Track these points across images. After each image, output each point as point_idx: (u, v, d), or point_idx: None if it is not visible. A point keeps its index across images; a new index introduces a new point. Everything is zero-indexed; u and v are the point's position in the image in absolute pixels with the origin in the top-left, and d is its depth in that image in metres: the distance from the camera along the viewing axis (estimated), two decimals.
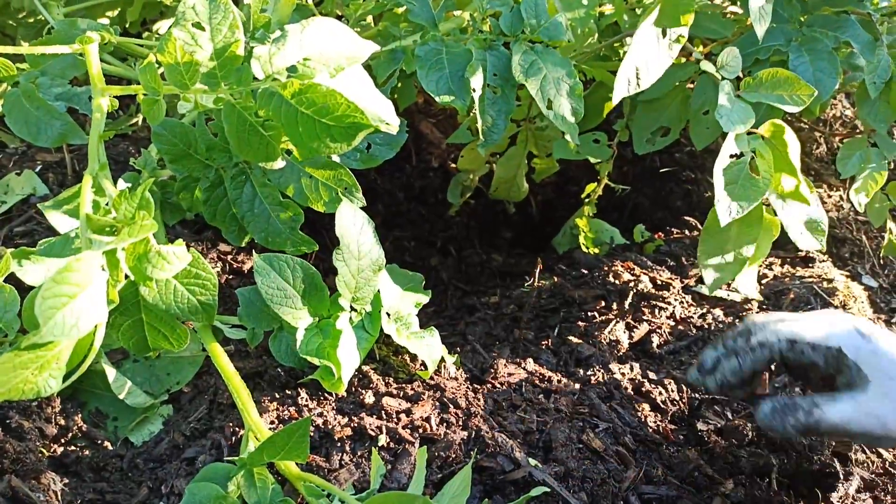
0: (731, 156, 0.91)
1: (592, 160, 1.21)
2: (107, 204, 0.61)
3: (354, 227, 0.83)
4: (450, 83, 0.91)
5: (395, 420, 0.78)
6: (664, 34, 0.94)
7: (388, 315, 0.87)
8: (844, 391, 0.76)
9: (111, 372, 0.78)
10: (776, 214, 0.96)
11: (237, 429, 0.77)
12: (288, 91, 0.57)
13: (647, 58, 0.92)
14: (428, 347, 0.85)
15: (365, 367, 0.86)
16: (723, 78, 0.96)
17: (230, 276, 1.01)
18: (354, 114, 0.56)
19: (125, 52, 1.05)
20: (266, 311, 0.82)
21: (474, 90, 0.90)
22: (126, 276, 0.58)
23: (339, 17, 1.31)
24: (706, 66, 0.98)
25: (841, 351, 0.76)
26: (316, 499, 0.66)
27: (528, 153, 1.34)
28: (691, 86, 1.15)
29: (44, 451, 0.75)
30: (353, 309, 0.84)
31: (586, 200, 1.31)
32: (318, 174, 0.80)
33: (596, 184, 1.28)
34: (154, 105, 0.66)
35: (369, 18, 1.23)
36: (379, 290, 0.85)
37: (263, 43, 0.61)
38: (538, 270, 1.08)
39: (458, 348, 1.01)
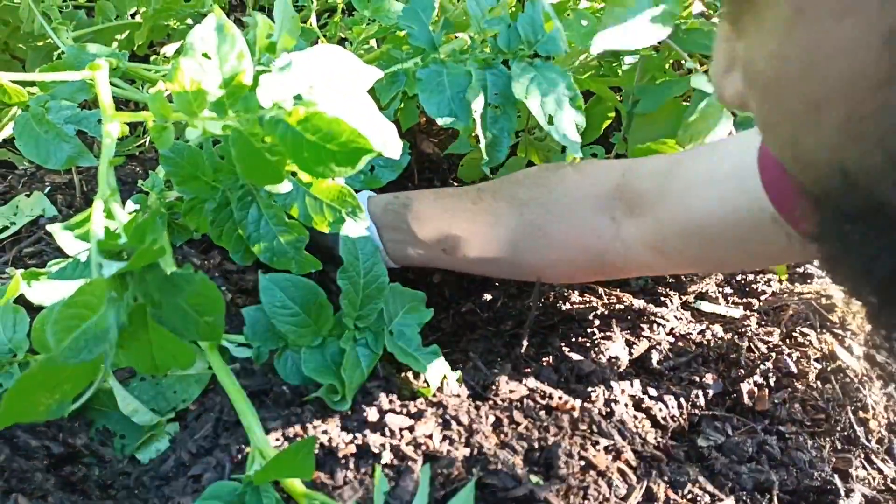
0: None
1: None
2: (116, 229, 0.62)
3: (358, 247, 0.84)
4: (451, 105, 0.93)
5: (399, 437, 0.79)
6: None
7: (392, 333, 0.89)
8: None
9: (119, 391, 0.80)
10: None
11: (242, 446, 0.77)
12: (293, 119, 0.59)
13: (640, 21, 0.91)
14: (431, 366, 0.87)
15: (368, 385, 0.87)
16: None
17: (236, 295, 1.02)
18: (357, 139, 0.58)
19: (133, 76, 1.08)
20: (271, 329, 0.83)
21: (475, 111, 0.92)
22: (135, 300, 0.59)
23: (342, 41, 1.34)
24: (697, 81, 0.99)
25: None
26: None
27: (528, 163, 1.35)
28: (686, 102, 1.17)
29: (51, 469, 0.75)
30: (356, 327, 0.86)
31: None
32: (322, 196, 0.81)
33: None
34: (163, 132, 0.68)
35: (372, 41, 1.25)
36: (382, 309, 0.87)
37: (269, 69, 0.62)
38: (537, 288, 1.09)
39: (461, 364, 1.01)
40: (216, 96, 0.62)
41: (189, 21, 1.35)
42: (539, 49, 0.97)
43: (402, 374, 0.92)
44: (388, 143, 0.60)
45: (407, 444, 0.78)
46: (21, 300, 0.83)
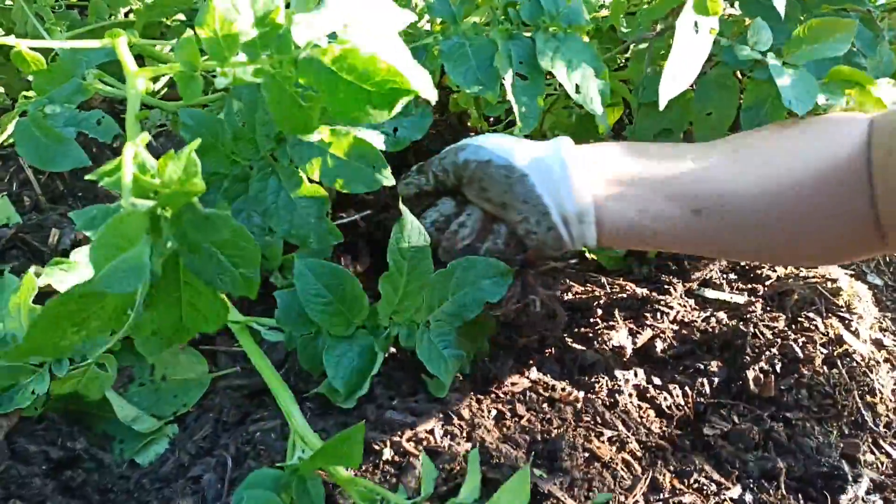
0: None
1: None
2: (150, 170, 0.60)
3: (408, 236, 0.82)
4: (477, 74, 0.93)
5: (399, 433, 0.78)
6: (696, 27, 0.92)
7: (429, 325, 0.86)
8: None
9: (116, 400, 0.79)
10: None
11: (243, 446, 0.77)
12: (328, 57, 0.57)
13: (687, 52, 0.90)
14: (446, 366, 0.85)
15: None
16: (762, 53, 0.94)
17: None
18: (395, 78, 0.57)
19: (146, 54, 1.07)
20: (304, 315, 0.82)
21: (504, 79, 0.91)
22: (168, 249, 0.58)
23: None
24: (740, 49, 0.95)
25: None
26: (368, 503, 0.66)
27: None
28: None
29: (50, 474, 0.75)
30: (391, 322, 0.85)
31: None
32: (342, 154, 0.80)
33: None
34: (191, 81, 0.66)
35: None
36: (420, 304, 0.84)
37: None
38: (541, 278, 1.08)
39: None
40: (249, 36, 0.61)
41: (181, 17, 1.34)
42: (562, 20, 0.96)
43: (403, 371, 0.91)
44: (424, 84, 0.59)
45: (408, 440, 0.77)
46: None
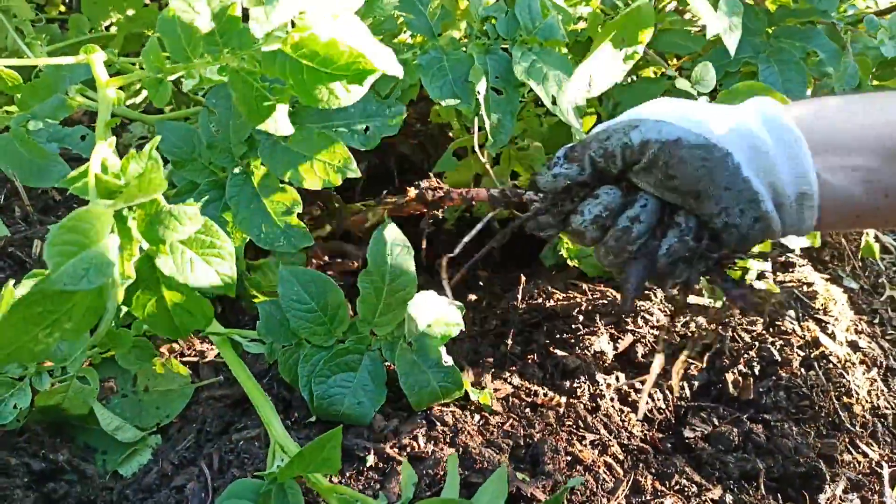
0: None
1: None
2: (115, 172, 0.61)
3: (389, 250, 0.82)
4: (454, 88, 0.94)
5: (383, 440, 0.79)
6: (620, 49, 0.97)
7: (411, 345, 0.84)
8: None
9: (100, 410, 0.79)
10: None
11: (225, 455, 0.77)
12: (288, 45, 0.58)
13: (600, 67, 0.96)
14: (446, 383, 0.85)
15: None
16: (699, 93, 0.98)
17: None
18: (358, 60, 0.58)
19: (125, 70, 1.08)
20: (285, 325, 0.82)
21: (479, 93, 0.93)
22: (141, 251, 0.58)
23: None
24: (681, 83, 1.00)
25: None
26: None
27: (512, 172, 1.35)
28: None
29: (32, 486, 0.75)
30: (372, 334, 0.84)
31: None
32: (314, 153, 0.81)
33: None
34: (159, 85, 0.67)
35: None
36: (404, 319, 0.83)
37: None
38: (521, 286, 1.09)
39: None
40: (208, 30, 0.61)
41: None
42: (538, 35, 0.98)
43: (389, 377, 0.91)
44: (387, 62, 0.60)
45: (391, 446, 0.78)
46: None
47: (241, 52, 0.61)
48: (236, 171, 0.84)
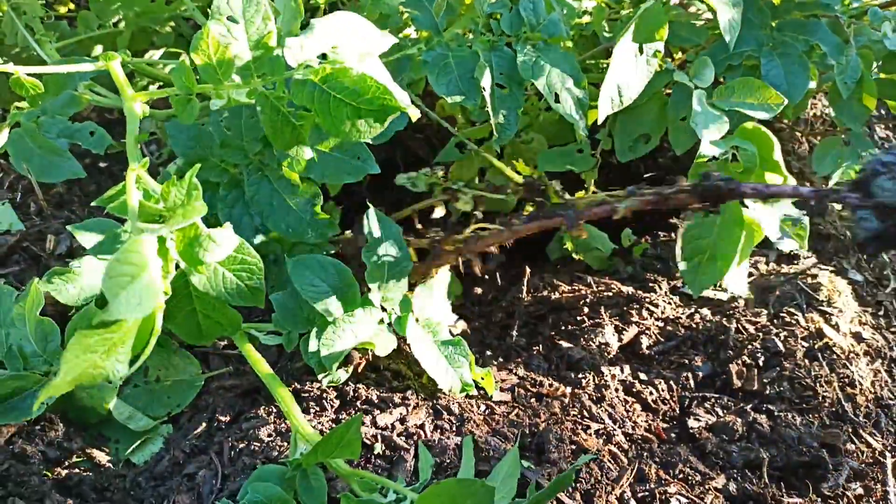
0: (710, 159, 0.93)
1: (577, 170, 1.24)
2: (153, 194, 0.63)
3: (381, 228, 0.86)
4: (459, 84, 0.96)
5: (391, 428, 0.80)
6: (641, 50, 0.97)
7: (417, 320, 0.89)
8: None
9: (113, 399, 0.81)
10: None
11: (236, 443, 0.78)
12: (320, 76, 0.60)
13: (627, 75, 0.97)
14: (447, 370, 0.87)
15: (359, 376, 0.88)
16: (696, 87, 0.99)
17: None
18: (384, 96, 0.60)
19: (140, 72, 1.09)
20: (300, 313, 0.85)
21: (484, 89, 0.94)
22: (177, 267, 0.60)
23: None
24: (679, 76, 1.01)
25: None
26: (369, 493, 0.69)
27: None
28: (669, 91, 1.18)
29: (48, 474, 0.76)
30: (383, 309, 0.87)
31: None
32: (327, 148, 0.83)
33: (583, 192, 1.31)
34: (188, 104, 0.69)
35: None
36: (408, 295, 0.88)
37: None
38: (526, 279, 1.10)
39: None
40: (243, 60, 0.63)
41: (171, 25, 1.35)
42: (541, 31, 0.99)
43: (393, 368, 0.92)
44: (405, 101, 0.62)
45: (398, 434, 0.79)
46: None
47: (273, 77, 0.63)
48: (251, 168, 0.86)
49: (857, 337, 1.11)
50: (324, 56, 0.62)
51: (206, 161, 0.84)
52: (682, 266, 0.99)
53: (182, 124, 0.81)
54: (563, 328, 1.08)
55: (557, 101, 0.95)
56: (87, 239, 0.85)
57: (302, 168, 0.83)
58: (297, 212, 0.85)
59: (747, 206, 0.94)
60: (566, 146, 1.24)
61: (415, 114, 0.63)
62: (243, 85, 0.64)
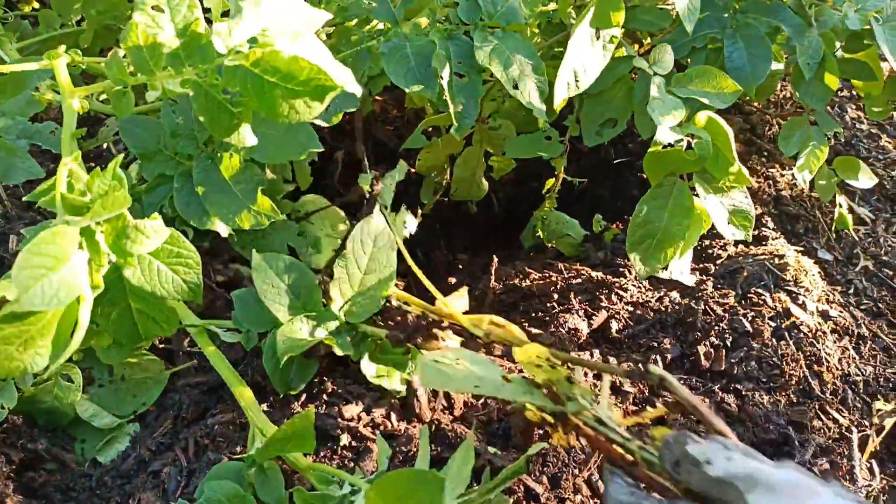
0: (666, 146, 0.94)
1: (546, 156, 1.24)
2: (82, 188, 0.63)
3: (374, 238, 0.84)
4: (417, 74, 0.95)
5: (357, 419, 0.80)
6: (598, 36, 0.97)
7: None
8: None
9: (76, 398, 0.80)
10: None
11: (202, 439, 0.78)
12: (251, 61, 0.59)
13: (584, 60, 0.96)
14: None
15: (324, 370, 0.88)
16: (655, 73, 0.99)
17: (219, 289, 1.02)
18: (319, 76, 0.59)
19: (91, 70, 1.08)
20: (261, 312, 0.84)
21: (442, 78, 0.94)
22: (109, 262, 0.60)
23: None
24: (639, 62, 1.01)
25: None
26: (326, 486, 0.68)
27: (485, 152, 1.36)
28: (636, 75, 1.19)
29: (11, 476, 0.76)
30: (347, 324, 0.85)
31: (546, 195, 1.33)
32: (276, 130, 0.82)
33: (554, 179, 1.31)
34: (123, 97, 0.68)
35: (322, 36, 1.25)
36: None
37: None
38: (494, 268, 1.11)
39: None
40: (172, 48, 0.62)
41: None
42: (499, 19, 0.99)
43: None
44: (346, 79, 0.61)
45: (364, 425, 0.79)
46: None
47: (204, 65, 0.62)
48: (203, 157, 0.85)
49: (825, 315, 1.13)
50: (255, 40, 0.61)
51: (159, 154, 0.83)
52: (630, 249, 0.99)
53: (135, 119, 0.81)
54: (533, 315, 1.09)
55: (516, 87, 0.95)
56: None
57: (244, 154, 0.83)
58: (241, 199, 0.84)
59: (697, 195, 0.95)
60: (535, 132, 1.24)
61: (356, 90, 0.62)
62: (175, 75, 0.63)
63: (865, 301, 1.26)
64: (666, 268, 1.04)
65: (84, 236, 0.58)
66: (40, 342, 0.57)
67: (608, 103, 1.20)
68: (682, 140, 0.92)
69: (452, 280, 1.33)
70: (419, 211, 1.39)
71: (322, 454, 0.76)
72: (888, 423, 1.00)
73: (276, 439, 0.67)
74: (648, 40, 1.38)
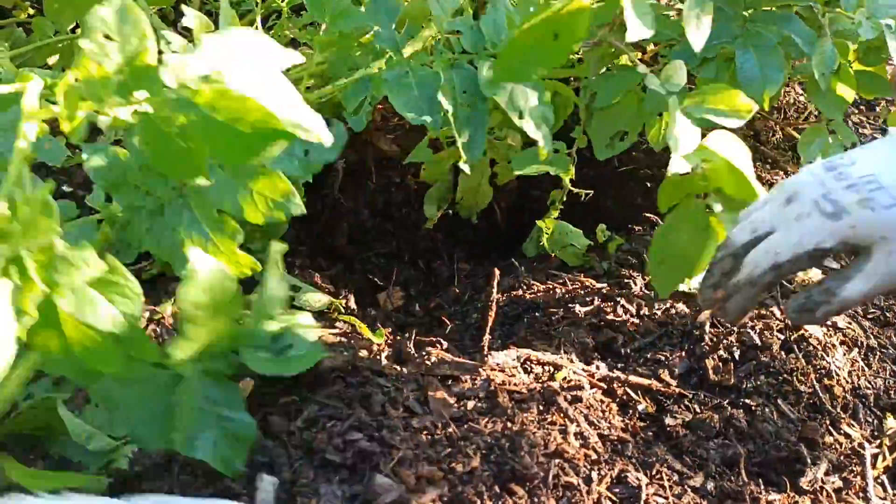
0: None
1: (553, 171, 1.22)
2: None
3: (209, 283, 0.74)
4: (420, 103, 0.94)
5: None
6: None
7: None
8: (853, 266, 0.72)
9: (69, 419, 0.78)
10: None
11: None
12: (200, 98, 0.57)
13: None
14: None
15: None
16: (668, 92, 0.96)
17: None
18: (269, 120, 0.57)
19: None
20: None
21: (447, 111, 0.92)
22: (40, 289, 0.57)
23: (292, 41, 1.32)
24: (651, 81, 0.98)
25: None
26: None
27: (491, 161, 1.35)
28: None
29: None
30: None
31: (551, 206, 1.32)
32: (253, 185, 0.78)
33: (559, 189, 1.29)
34: (74, 123, 0.65)
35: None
36: None
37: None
38: (496, 280, 1.08)
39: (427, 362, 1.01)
40: (119, 78, 0.60)
41: None
42: (503, 48, 0.97)
43: None
44: (315, 125, 0.59)
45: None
46: None
47: (152, 98, 0.60)
48: (172, 197, 0.81)
49: (834, 327, 1.11)
50: (207, 77, 0.59)
51: (126, 185, 0.79)
52: (652, 273, 0.98)
53: (99, 148, 0.77)
54: (537, 328, 1.07)
55: (521, 117, 0.94)
56: None
57: (202, 199, 0.79)
58: (218, 246, 0.80)
59: (713, 213, 0.93)
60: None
61: (326, 139, 0.60)
62: (124, 104, 0.61)
63: (872, 310, 1.24)
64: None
65: (13, 264, 0.56)
66: None
67: (619, 116, 1.18)
68: (697, 167, 0.89)
69: (456, 290, 1.31)
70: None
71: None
72: None
73: None
74: (652, 46, 1.37)
